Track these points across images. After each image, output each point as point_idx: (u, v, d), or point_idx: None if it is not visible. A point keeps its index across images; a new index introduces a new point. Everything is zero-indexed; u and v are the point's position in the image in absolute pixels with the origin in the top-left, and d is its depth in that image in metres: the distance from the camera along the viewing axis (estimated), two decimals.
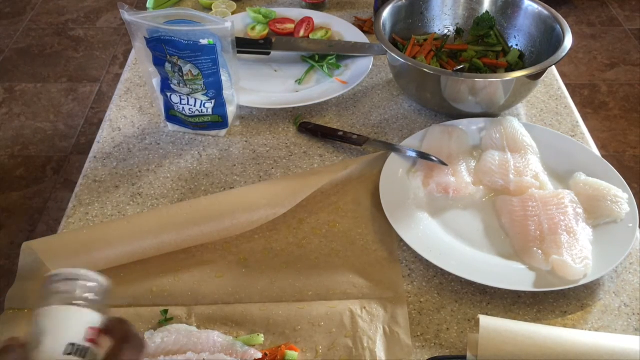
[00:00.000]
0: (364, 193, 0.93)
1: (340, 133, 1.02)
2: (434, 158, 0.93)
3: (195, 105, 0.99)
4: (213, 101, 0.99)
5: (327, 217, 0.89)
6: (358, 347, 0.72)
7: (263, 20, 1.29)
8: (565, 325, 0.76)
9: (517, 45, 1.16)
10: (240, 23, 1.29)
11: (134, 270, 0.81)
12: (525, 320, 0.76)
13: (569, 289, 0.78)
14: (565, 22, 1.06)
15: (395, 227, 0.84)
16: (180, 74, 0.95)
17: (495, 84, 0.99)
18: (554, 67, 1.09)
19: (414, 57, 1.11)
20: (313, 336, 0.73)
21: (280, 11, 1.33)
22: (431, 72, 0.99)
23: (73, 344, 0.50)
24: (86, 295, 0.54)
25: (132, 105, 1.12)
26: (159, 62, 0.96)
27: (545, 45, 1.09)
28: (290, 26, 1.28)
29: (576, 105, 1.14)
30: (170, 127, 1.06)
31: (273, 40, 1.20)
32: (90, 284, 0.55)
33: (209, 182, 0.96)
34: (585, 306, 0.78)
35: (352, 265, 0.83)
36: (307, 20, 1.28)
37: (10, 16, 3.18)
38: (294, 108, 1.09)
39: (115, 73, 2.80)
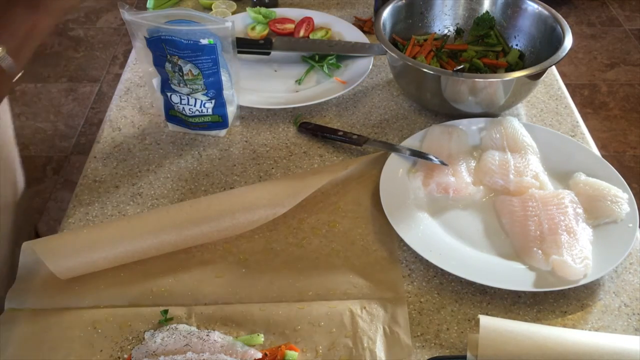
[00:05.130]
0: (364, 193, 0.93)
1: (340, 133, 1.02)
2: (434, 158, 0.93)
3: (195, 105, 0.99)
4: (213, 101, 0.99)
5: (327, 217, 0.89)
6: (358, 347, 0.72)
7: (263, 20, 1.29)
8: (565, 325, 0.76)
9: (517, 45, 1.16)
10: (240, 23, 1.29)
11: (134, 270, 0.81)
12: (525, 320, 0.76)
13: (569, 289, 0.78)
14: (565, 22, 1.06)
15: (395, 227, 0.84)
16: (181, 74, 0.95)
17: (495, 84, 0.99)
18: (554, 67, 1.09)
19: (414, 57, 1.11)
20: (313, 336, 0.73)
21: (280, 11, 1.33)
22: (431, 72, 0.99)
23: None
24: None
25: (132, 105, 1.12)
26: (159, 62, 0.96)
27: (545, 45, 1.09)
28: (290, 26, 1.28)
29: (576, 105, 1.14)
30: (170, 127, 1.06)
31: (273, 40, 1.20)
32: None
33: (209, 182, 0.96)
34: (585, 306, 0.78)
35: (352, 265, 0.83)
36: (307, 20, 1.28)
37: None
38: (294, 108, 1.09)
39: (115, 73, 2.80)
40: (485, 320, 0.69)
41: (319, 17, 1.30)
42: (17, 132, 1.07)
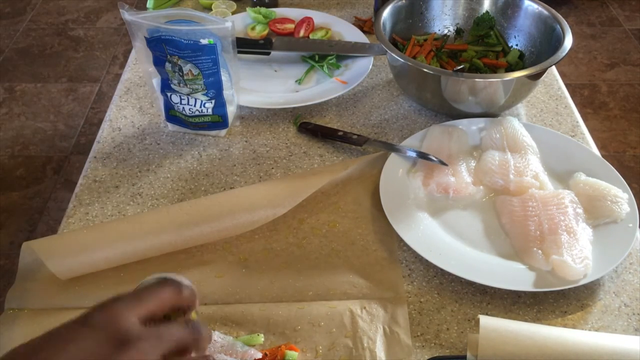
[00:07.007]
0: (364, 193, 0.93)
1: (340, 133, 1.02)
2: (434, 158, 0.93)
3: (195, 105, 0.99)
4: (213, 101, 0.99)
5: (327, 217, 0.89)
6: (358, 347, 0.72)
7: (263, 20, 1.29)
8: (565, 325, 0.76)
9: (517, 45, 1.16)
10: (240, 23, 1.29)
11: (134, 270, 0.81)
12: (525, 320, 0.76)
13: (569, 289, 0.78)
14: (565, 22, 1.06)
15: (395, 227, 0.84)
16: (181, 74, 0.95)
17: (495, 84, 0.99)
18: (554, 67, 1.09)
19: (414, 57, 1.11)
20: (313, 336, 0.73)
21: (280, 11, 1.32)
22: (431, 72, 0.99)
23: None
24: None
25: (132, 105, 1.12)
26: (159, 62, 0.96)
27: (545, 45, 1.09)
28: (290, 26, 1.28)
29: (576, 105, 1.14)
30: (170, 127, 1.06)
31: (273, 40, 1.20)
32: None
33: (209, 182, 0.96)
34: (585, 306, 0.78)
35: (352, 265, 0.83)
36: (307, 20, 1.28)
37: (10, 16, 3.18)
38: (294, 108, 1.09)
39: (115, 73, 2.80)
40: (485, 320, 0.69)
41: (319, 17, 1.30)
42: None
